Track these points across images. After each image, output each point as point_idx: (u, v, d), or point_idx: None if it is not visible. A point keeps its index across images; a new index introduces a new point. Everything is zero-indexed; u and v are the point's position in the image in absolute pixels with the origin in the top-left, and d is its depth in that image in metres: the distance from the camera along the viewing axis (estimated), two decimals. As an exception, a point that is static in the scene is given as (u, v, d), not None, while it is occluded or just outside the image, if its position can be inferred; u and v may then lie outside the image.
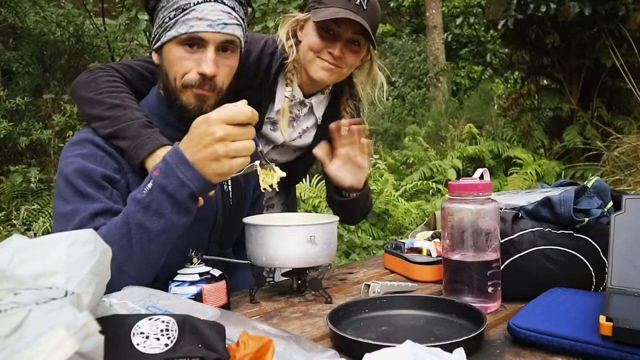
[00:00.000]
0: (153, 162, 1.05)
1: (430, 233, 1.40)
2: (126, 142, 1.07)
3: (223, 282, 0.98)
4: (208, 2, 1.06)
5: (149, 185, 0.95)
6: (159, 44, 1.10)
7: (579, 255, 0.97)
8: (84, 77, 1.18)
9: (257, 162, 1.00)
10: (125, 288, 0.77)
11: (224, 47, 1.09)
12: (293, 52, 1.35)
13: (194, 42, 1.06)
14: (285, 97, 1.39)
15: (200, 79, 1.07)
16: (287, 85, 1.39)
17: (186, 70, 1.07)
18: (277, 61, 1.36)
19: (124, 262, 0.94)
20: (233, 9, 1.10)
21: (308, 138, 1.49)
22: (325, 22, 1.27)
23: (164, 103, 1.15)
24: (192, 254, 0.98)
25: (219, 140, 0.90)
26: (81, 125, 4.62)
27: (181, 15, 1.06)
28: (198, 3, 1.06)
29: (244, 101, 0.93)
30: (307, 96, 1.42)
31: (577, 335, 0.74)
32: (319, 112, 1.47)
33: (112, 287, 0.74)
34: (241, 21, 1.12)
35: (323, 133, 1.42)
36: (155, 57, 1.14)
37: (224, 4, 1.08)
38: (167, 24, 1.08)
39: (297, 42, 1.36)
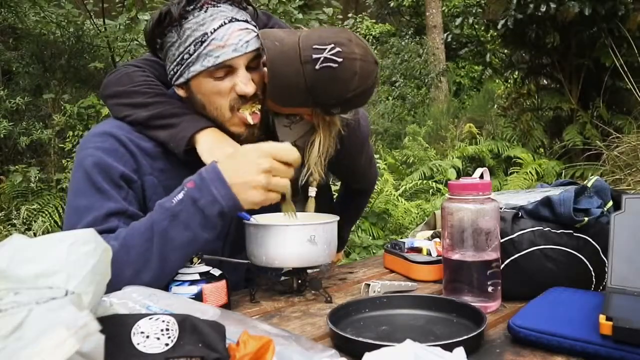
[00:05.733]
0: (200, 140, 1.06)
1: (430, 232, 1.40)
2: (176, 118, 1.07)
3: (223, 282, 0.98)
4: (223, 26, 1.04)
5: (180, 196, 0.95)
6: (182, 79, 1.08)
7: (579, 255, 0.97)
8: (116, 75, 1.18)
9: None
10: (126, 287, 0.77)
11: (252, 63, 1.08)
12: None
13: (223, 71, 1.05)
14: None
15: (242, 100, 1.08)
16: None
17: (226, 95, 1.07)
18: None
19: (141, 267, 0.93)
20: (246, 21, 1.08)
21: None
22: None
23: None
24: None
25: (264, 171, 0.93)
26: (81, 125, 4.62)
27: (201, 47, 1.03)
28: (215, 30, 1.03)
29: (288, 144, 0.98)
30: None
31: (577, 334, 0.74)
32: None
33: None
34: (256, 29, 1.10)
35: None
36: (180, 91, 1.12)
37: (238, 20, 1.06)
38: (188, 60, 1.05)
39: None
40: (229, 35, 1.04)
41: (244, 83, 1.06)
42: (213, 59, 1.03)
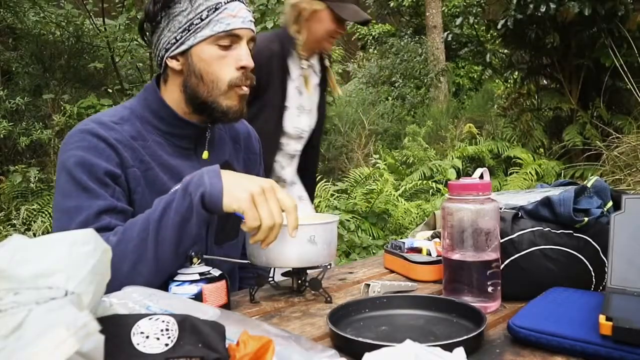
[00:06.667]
0: None
1: (430, 233, 1.40)
2: None
3: (223, 282, 0.98)
4: (234, 1, 1.11)
5: (177, 186, 0.98)
6: (184, 47, 1.10)
7: (578, 255, 0.97)
8: None
9: None
10: (126, 288, 0.77)
11: (248, 45, 1.14)
12: (302, 34, 1.83)
13: (229, 40, 1.10)
14: (307, 67, 1.92)
15: (242, 75, 1.11)
16: (303, 60, 1.90)
17: (228, 69, 1.10)
18: (289, 45, 1.84)
19: (138, 259, 0.94)
20: (250, 11, 1.16)
21: (317, 94, 2.01)
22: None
23: (160, 99, 1.15)
24: (192, 253, 0.98)
25: (261, 186, 0.94)
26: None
27: (214, 14, 1.08)
28: (228, 2, 1.10)
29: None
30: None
31: (576, 334, 0.74)
32: (316, 68, 1.99)
33: (122, 285, 0.75)
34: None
35: (322, 88, 2.03)
36: (174, 63, 1.13)
37: (244, 3, 1.14)
38: (198, 25, 1.09)
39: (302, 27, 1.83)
40: (239, 9, 1.11)
41: (245, 56, 1.11)
42: (224, 25, 1.09)
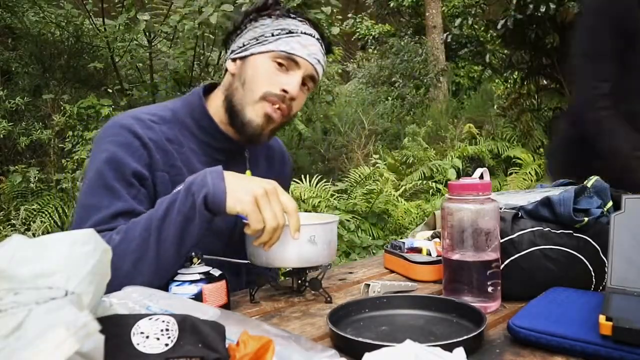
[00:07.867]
0: None
1: (430, 233, 1.40)
2: None
3: (223, 282, 0.98)
4: (312, 37, 1.14)
5: (180, 187, 0.97)
6: (246, 53, 1.13)
7: (578, 255, 0.97)
8: None
9: None
10: (126, 288, 0.77)
11: (305, 81, 1.14)
12: None
13: (286, 62, 1.11)
14: None
15: (279, 95, 1.11)
16: None
17: (271, 84, 1.11)
18: None
19: (140, 257, 0.94)
20: (323, 55, 1.18)
21: None
22: None
23: (203, 107, 1.16)
24: (192, 253, 0.98)
25: (264, 188, 0.94)
26: (81, 126, 4.62)
27: (286, 35, 1.11)
28: (304, 33, 1.13)
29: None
30: None
31: (576, 334, 0.74)
32: None
33: (122, 285, 0.75)
34: (323, 69, 1.19)
35: None
36: (231, 65, 1.16)
37: (320, 44, 1.16)
38: (267, 38, 1.11)
39: None
40: (311, 45, 1.14)
41: (293, 83, 1.11)
42: (289, 47, 1.11)
